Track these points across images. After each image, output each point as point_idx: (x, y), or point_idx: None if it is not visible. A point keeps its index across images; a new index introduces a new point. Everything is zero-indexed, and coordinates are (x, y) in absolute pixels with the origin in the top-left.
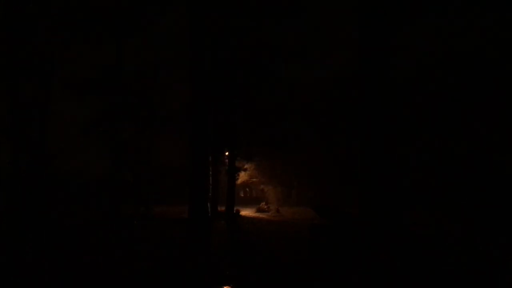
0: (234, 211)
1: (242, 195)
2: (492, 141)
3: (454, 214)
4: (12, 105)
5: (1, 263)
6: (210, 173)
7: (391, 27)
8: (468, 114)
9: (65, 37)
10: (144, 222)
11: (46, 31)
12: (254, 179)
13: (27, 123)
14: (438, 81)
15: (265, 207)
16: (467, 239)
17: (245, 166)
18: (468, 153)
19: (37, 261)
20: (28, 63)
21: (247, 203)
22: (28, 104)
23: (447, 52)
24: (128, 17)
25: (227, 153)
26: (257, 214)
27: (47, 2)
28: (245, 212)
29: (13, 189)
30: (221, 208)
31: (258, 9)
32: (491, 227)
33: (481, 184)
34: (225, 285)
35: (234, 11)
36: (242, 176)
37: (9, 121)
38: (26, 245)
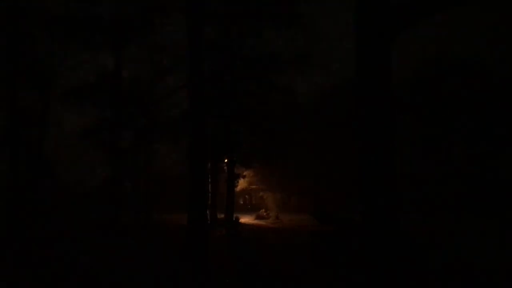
0: (234, 218)
1: (242, 202)
2: (489, 142)
3: (453, 216)
4: (11, 113)
5: (3, 266)
6: (209, 180)
7: (389, 33)
8: (465, 116)
9: (64, 45)
10: (143, 229)
11: (46, 39)
12: (253, 186)
13: (26, 131)
14: (435, 84)
15: (265, 214)
16: (466, 241)
17: (244, 173)
18: (465, 154)
19: (37, 268)
20: (28, 71)
21: (246, 210)
22: (28, 112)
23: (444, 55)
24: (127, 26)
25: (226, 160)
26: (256, 221)
27: (47, 10)
28: (245, 219)
29: (13, 198)
30: (221, 215)
31: (258, 17)
32: (488, 228)
33: (479, 185)
34: None
35: (233, 19)
36: (242, 183)
37: (8, 129)
38: (27, 252)
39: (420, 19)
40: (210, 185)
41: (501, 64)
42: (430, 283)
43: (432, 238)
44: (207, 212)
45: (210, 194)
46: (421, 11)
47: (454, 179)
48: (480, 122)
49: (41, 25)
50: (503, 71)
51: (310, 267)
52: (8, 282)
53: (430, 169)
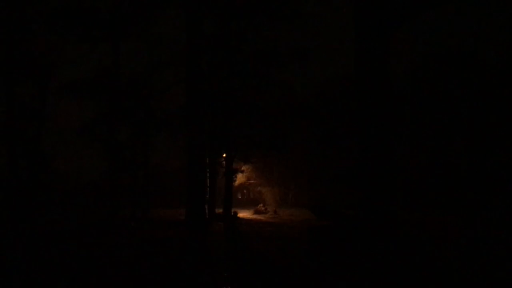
0: (232, 213)
1: (240, 197)
2: (489, 141)
3: (452, 213)
4: (9, 107)
5: (2, 264)
6: (208, 175)
7: (387, 30)
8: (465, 114)
9: (62, 39)
10: (141, 224)
11: (43, 33)
12: (251, 181)
13: (24, 125)
14: (436, 81)
15: (263, 208)
16: (465, 238)
17: (243, 168)
18: (464, 153)
19: (33, 263)
20: (25, 65)
21: (244, 205)
22: (25, 106)
23: (443, 53)
24: (125, 20)
25: (224, 155)
26: (254, 216)
27: (44, 4)
28: (243, 214)
29: (10, 191)
30: (219, 210)
31: (256, 12)
32: (488, 226)
33: (478, 184)
34: (223, 287)
35: (232, 14)
36: (240, 178)
37: (6, 124)
38: (23, 247)
39: (417, 14)
40: (208, 180)
41: (499, 57)
42: (427, 278)
43: (429, 233)
44: (206, 206)
45: (208, 189)
46: (417, 6)
47: (452, 174)
48: (478, 116)
49: (39, 18)
50: (501, 64)
51: (307, 262)
52: (9, 280)
53: (428, 164)
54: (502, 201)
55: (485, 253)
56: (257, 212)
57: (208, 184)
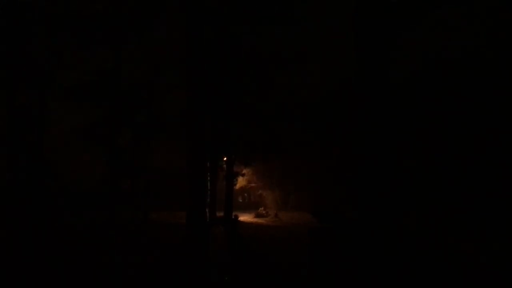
0: (233, 217)
1: (241, 200)
2: (488, 143)
3: (451, 216)
4: (9, 111)
5: (4, 266)
6: (208, 178)
7: (388, 29)
8: (464, 116)
9: (62, 42)
10: (142, 227)
11: (44, 36)
12: (252, 184)
13: (24, 129)
14: (435, 83)
15: (264, 212)
16: (462, 241)
17: (243, 171)
18: (464, 155)
19: (36, 266)
20: (26, 69)
21: (245, 209)
22: (26, 110)
23: (444, 54)
24: (126, 23)
25: (225, 158)
26: (255, 219)
27: (45, 7)
28: (244, 217)
29: (12, 196)
30: (220, 214)
31: (256, 15)
32: (486, 229)
33: (478, 186)
34: None
35: (232, 17)
36: (240, 181)
37: (7, 127)
38: (26, 250)
39: (418, 18)
40: (209, 183)
41: (500, 62)
42: (428, 279)
43: (429, 236)
44: (206, 210)
45: (208, 192)
46: (418, 10)
47: (450, 177)
48: (478, 121)
49: (39, 23)
50: (502, 69)
51: (308, 264)
52: (11, 282)
53: (427, 166)
54: (499, 203)
55: (483, 254)
56: (258, 215)
57: (208, 188)
